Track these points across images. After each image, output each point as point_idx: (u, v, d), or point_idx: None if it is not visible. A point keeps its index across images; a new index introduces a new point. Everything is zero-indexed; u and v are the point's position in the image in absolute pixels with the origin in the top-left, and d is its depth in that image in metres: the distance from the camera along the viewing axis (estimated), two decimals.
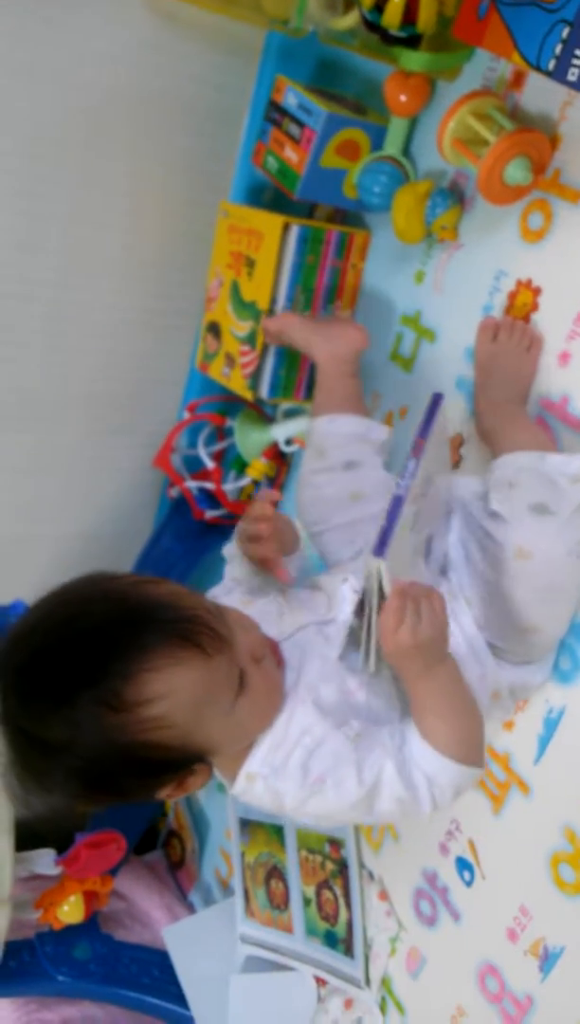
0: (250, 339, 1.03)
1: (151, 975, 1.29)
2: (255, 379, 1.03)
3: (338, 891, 1.12)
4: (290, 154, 0.96)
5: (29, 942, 1.29)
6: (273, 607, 0.78)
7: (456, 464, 0.96)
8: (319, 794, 0.69)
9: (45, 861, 1.12)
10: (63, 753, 0.63)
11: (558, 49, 0.71)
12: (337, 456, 0.89)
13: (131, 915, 1.41)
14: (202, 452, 1.16)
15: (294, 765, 0.69)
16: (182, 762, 0.68)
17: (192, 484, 1.17)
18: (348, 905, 1.10)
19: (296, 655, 0.74)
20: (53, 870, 1.14)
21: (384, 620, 0.66)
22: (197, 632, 0.65)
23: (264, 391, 1.04)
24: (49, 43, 0.94)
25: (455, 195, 0.91)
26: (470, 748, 0.71)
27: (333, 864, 1.12)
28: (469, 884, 0.96)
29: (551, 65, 0.71)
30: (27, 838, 1.18)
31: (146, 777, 0.67)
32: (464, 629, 0.79)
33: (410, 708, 0.72)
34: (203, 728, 0.66)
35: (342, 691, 0.74)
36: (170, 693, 0.63)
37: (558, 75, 0.71)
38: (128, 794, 0.69)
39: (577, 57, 0.70)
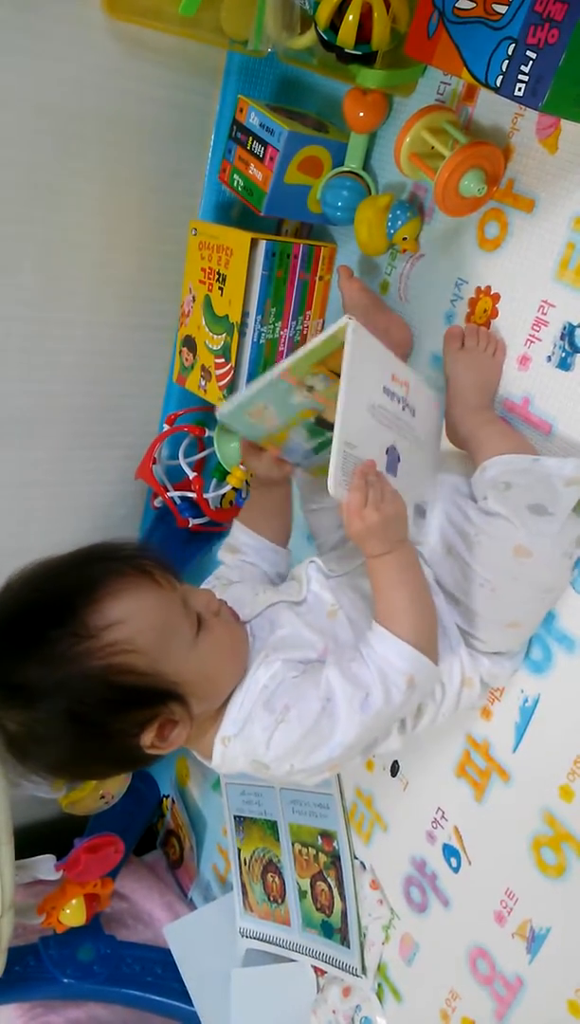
0: (224, 351, 1.06)
1: (154, 973, 1.32)
2: (231, 390, 1.06)
3: (332, 882, 1.15)
4: (255, 172, 0.99)
5: (33, 947, 1.32)
6: (248, 591, 0.85)
7: None
8: (284, 722, 0.72)
9: (46, 867, 1.15)
10: (45, 695, 0.67)
11: (504, 65, 0.73)
12: None
13: (133, 915, 1.44)
14: (183, 462, 1.18)
15: (259, 706, 0.74)
16: (157, 694, 0.70)
17: (174, 494, 1.20)
18: (342, 896, 1.14)
19: (266, 628, 0.81)
20: (54, 875, 1.16)
21: (350, 499, 0.72)
22: (146, 566, 0.72)
23: None
24: (16, 70, 0.96)
25: (414, 207, 0.94)
26: (423, 632, 0.74)
27: (326, 856, 1.16)
28: (456, 870, 0.99)
29: (498, 81, 0.74)
30: (27, 845, 1.20)
31: (125, 709, 0.69)
32: (440, 616, 0.82)
33: (375, 598, 0.77)
34: (170, 659, 0.70)
35: (309, 657, 0.78)
36: (130, 617, 0.68)
37: (505, 91, 0.73)
38: (114, 736, 0.70)
39: (523, 73, 0.72)
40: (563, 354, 0.82)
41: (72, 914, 1.25)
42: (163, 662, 0.69)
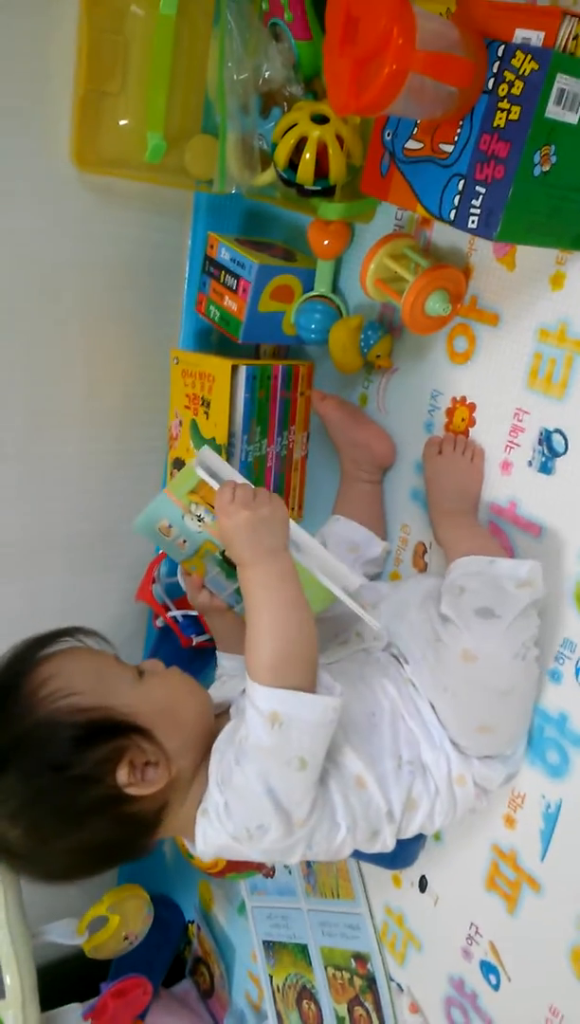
0: None
1: None
2: None
3: (370, 1007, 1.11)
4: (230, 303, 1.03)
5: None
6: (238, 681, 0.87)
7: (422, 571, 1.00)
8: (229, 784, 0.72)
9: (72, 1017, 1.10)
10: (14, 752, 0.71)
11: (456, 200, 0.77)
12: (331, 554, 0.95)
13: None
14: (182, 580, 1.19)
15: (214, 766, 0.75)
16: (113, 725, 0.72)
17: (176, 613, 1.20)
18: (382, 1020, 1.09)
19: (244, 704, 0.81)
20: None
21: (217, 496, 0.74)
22: (72, 634, 0.80)
23: None
24: None
25: (385, 326, 0.97)
26: (281, 664, 0.70)
27: (361, 980, 1.11)
28: (496, 988, 0.96)
29: (452, 215, 0.78)
30: (51, 987, 1.16)
31: (88, 744, 0.71)
32: (422, 713, 0.82)
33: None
34: (115, 694, 0.74)
35: None
36: (62, 670, 0.74)
37: (459, 224, 0.77)
38: (90, 778, 0.71)
39: (474, 207, 0.76)
40: (543, 458, 0.84)
41: None
42: (108, 697, 0.73)
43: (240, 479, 0.80)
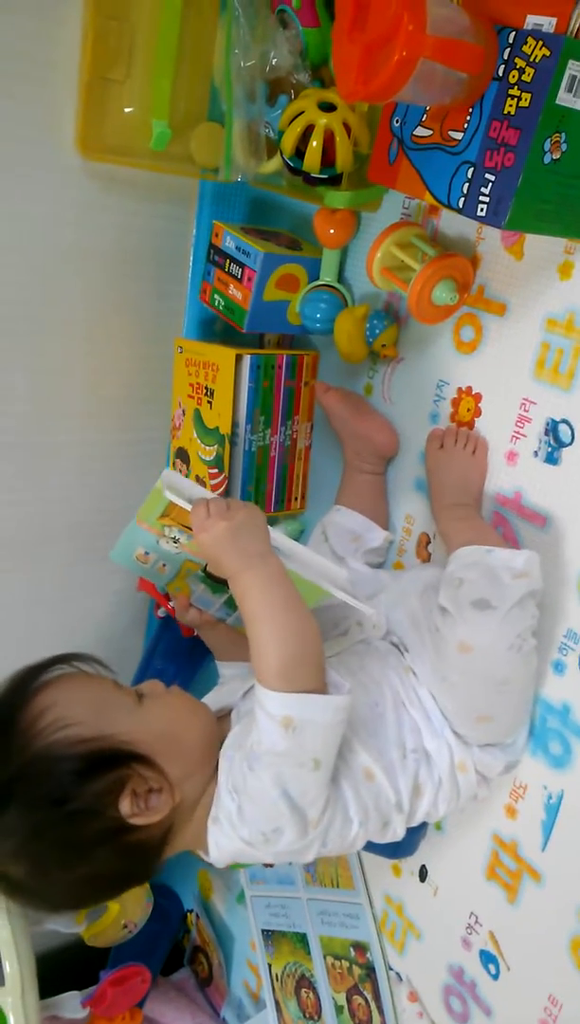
0: (217, 462, 1.07)
1: None
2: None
3: (369, 996, 1.11)
4: (234, 292, 1.03)
5: None
6: (238, 684, 0.87)
7: (426, 561, 1.00)
8: (243, 791, 0.72)
9: (71, 1005, 1.10)
10: (14, 787, 0.69)
11: (465, 188, 0.77)
12: (333, 544, 0.98)
13: None
14: None
15: (224, 775, 0.74)
16: (113, 755, 0.71)
17: None
18: (380, 1010, 1.09)
19: (246, 707, 0.82)
20: (80, 1013, 1.12)
21: (192, 514, 0.74)
22: (66, 660, 0.77)
23: None
24: None
25: (391, 315, 0.97)
26: (288, 668, 0.70)
27: (360, 968, 1.12)
28: (495, 977, 0.96)
29: (461, 203, 0.77)
30: (50, 975, 1.16)
31: (89, 776, 0.69)
32: (422, 701, 0.83)
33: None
34: (113, 722, 0.72)
35: None
36: (57, 700, 0.72)
37: (468, 211, 0.77)
38: (93, 810, 0.70)
39: (483, 194, 0.76)
40: (549, 449, 0.84)
41: None
42: (106, 726, 0.72)
43: (208, 495, 0.81)
